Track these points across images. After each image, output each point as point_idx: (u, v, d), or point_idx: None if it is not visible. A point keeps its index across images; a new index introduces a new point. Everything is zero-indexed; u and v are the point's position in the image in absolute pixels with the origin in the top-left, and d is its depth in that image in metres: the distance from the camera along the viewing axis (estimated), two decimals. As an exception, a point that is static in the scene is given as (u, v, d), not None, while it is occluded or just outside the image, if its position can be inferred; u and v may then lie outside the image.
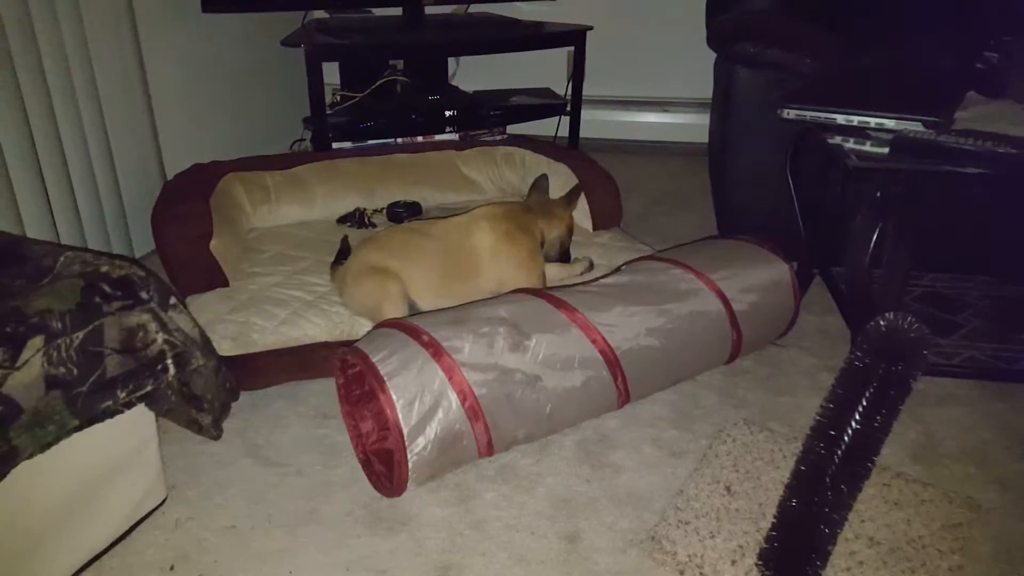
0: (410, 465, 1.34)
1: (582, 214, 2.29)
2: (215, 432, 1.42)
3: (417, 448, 1.34)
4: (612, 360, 1.54)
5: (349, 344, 1.68)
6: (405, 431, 1.32)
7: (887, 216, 1.47)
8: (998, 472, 1.58)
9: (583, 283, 1.77)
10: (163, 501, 1.41)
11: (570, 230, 2.03)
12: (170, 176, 2.31)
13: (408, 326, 1.46)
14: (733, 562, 1.28)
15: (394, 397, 1.33)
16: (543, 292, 1.64)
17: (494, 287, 1.84)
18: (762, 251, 1.89)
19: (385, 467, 1.43)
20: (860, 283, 1.51)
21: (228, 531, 1.37)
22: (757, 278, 1.81)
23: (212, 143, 2.68)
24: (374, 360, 1.37)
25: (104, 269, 1.22)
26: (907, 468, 1.57)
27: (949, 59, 2.16)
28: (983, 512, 1.46)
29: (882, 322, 1.22)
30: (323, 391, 1.74)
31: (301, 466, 1.54)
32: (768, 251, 1.88)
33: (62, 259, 1.25)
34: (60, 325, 1.11)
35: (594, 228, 2.30)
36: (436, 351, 1.39)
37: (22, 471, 1.08)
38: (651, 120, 3.64)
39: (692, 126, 3.51)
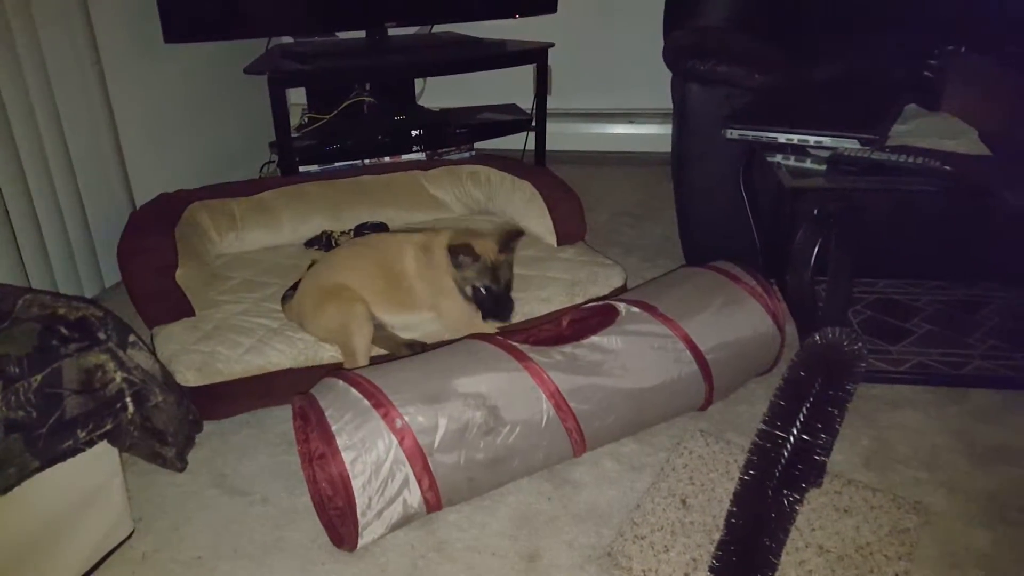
0: (360, 540, 1.36)
1: (546, 230, 2.34)
2: (179, 465, 1.45)
3: (368, 529, 1.35)
4: (579, 441, 1.54)
5: (313, 369, 1.71)
6: (360, 520, 1.33)
7: (826, 232, 1.52)
8: (947, 476, 1.63)
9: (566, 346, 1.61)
10: (130, 534, 1.44)
11: (491, 270, 1.81)
12: (139, 205, 2.33)
13: (376, 395, 1.38)
14: (686, 574, 1.32)
15: (351, 475, 1.30)
16: (522, 355, 1.53)
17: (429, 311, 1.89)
18: (740, 291, 1.77)
19: (339, 522, 1.39)
20: (803, 297, 1.56)
21: (195, 562, 1.39)
22: (735, 328, 1.72)
23: (181, 170, 2.70)
24: (332, 429, 1.33)
25: (61, 312, 1.25)
26: (859, 474, 1.61)
27: (895, 70, 2.22)
28: (931, 517, 1.51)
29: (819, 336, 1.26)
30: (288, 417, 1.75)
31: (267, 494, 1.56)
32: (748, 290, 1.77)
33: (20, 303, 1.27)
34: (17, 370, 1.14)
35: (558, 243, 2.34)
36: (404, 437, 1.34)
37: (-16, 513, 1.10)
38: (618, 131, 3.69)
39: (658, 136, 3.56)
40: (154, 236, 1.96)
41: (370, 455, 1.32)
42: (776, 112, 1.79)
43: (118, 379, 1.26)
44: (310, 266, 2.04)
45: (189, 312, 1.87)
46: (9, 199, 1.93)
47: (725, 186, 2.12)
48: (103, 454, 1.33)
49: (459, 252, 1.77)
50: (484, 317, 1.84)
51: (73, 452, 1.22)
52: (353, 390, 1.39)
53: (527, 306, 1.99)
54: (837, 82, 2.20)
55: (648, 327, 1.64)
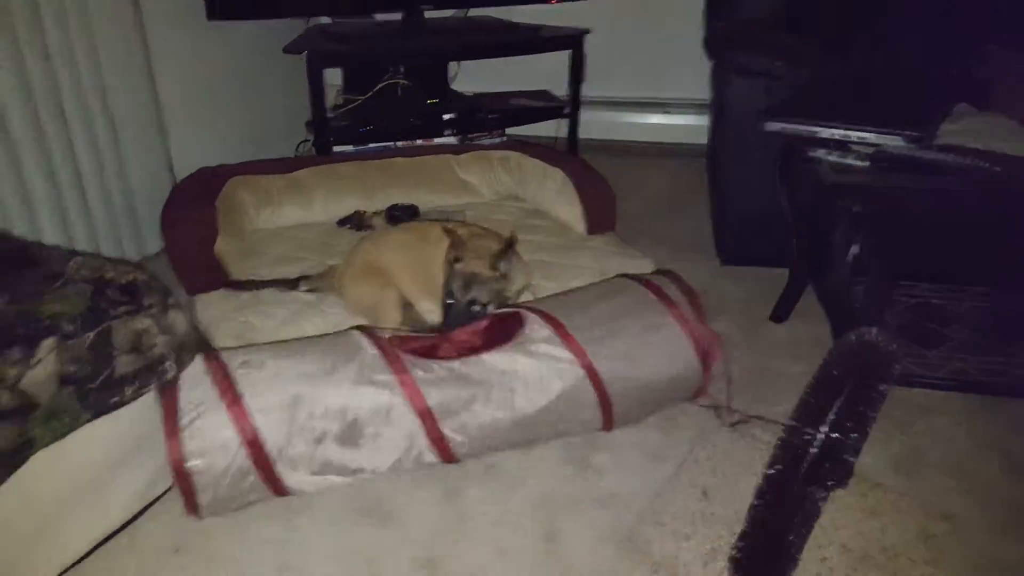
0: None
1: (576, 219, 2.34)
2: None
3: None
4: (448, 458, 1.50)
5: None
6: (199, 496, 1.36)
7: (865, 230, 1.51)
8: (978, 485, 1.61)
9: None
10: (170, 488, 1.48)
11: (464, 285, 1.73)
12: (179, 178, 2.37)
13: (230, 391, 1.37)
14: (705, 564, 1.34)
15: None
16: (401, 368, 1.46)
17: None
18: (667, 316, 1.64)
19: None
20: (838, 297, 1.55)
21: (229, 519, 1.43)
22: (648, 359, 1.60)
23: (220, 145, 2.74)
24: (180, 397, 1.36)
25: (111, 275, 1.29)
26: (887, 478, 1.61)
27: (941, 67, 2.19)
28: (960, 524, 1.50)
29: (854, 336, 1.27)
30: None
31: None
32: (676, 315, 1.64)
33: (71, 264, 1.32)
34: (71, 327, 1.18)
35: (588, 232, 2.34)
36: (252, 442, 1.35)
37: (38, 459, 1.16)
38: (652, 121, 3.66)
39: (693, 127, 3.53)
40: (196, 208, 2.01)
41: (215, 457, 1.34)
42: (818, 106, 1.77)
43: (162, 343, 1.30)
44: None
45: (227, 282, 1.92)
46: (57, 167, 1.98)
47: (762, 181, 2.10)
48: (147, 409, 1.38)
49: (453, 253, 1.76)
50: (443, 323, 1.76)
51: (119, 406, 1.27)
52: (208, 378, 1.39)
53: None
54: (882, 78, 2.17)
55: (549, 349, 1.52)
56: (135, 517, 1.42)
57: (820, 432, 1.21)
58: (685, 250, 2.63)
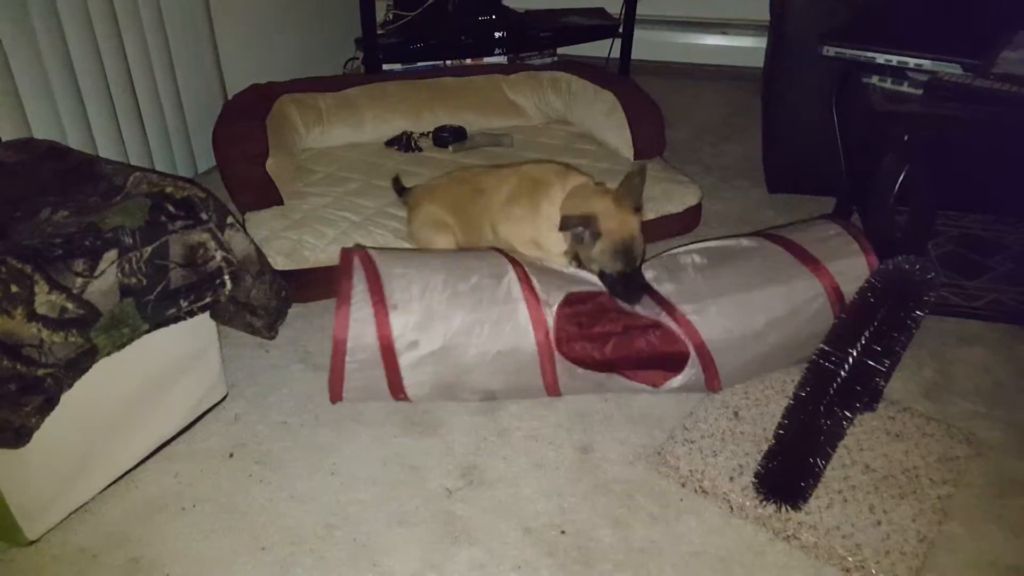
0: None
1: (624, 143, 2.33)
2: (269, 334, 1.57)
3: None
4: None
5: None
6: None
7: (914, 159, 1.48)
8: (1006, 413, 1.62)
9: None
10: (224, 398, 1.59)
11: (625, 243, 1.51)
12: (230, 95, 2.42)
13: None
14: (731, 479, 1.39)
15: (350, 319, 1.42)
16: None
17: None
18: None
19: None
20: (882, 225, 1.53)
21: (280, 426, 1.54)
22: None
23: (270, 62, 2.77)
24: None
25: (169, 190, 1.35)
26: (916, 403, 1.63)
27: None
28: (983, 449, 1.52)
29: (892, 263, 1.26)
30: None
31: (346, 373, 1.69)
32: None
33: (131, 179, 1.38)
34: (131, 240, 1.25)
35: (635, 158, 2.33)
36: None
37: (101, 367, 1.25)
38: (709, 42, 3.55)
39: (751, 50, 3.42)
40: (247, 125, 2.06)
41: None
42: (877, 31, 1.70)
43: (218, 257, 1.38)
44: (394, 181, 2.07)
45: (278, 201, 1.98)
46: (113, 85, 2.05)
47: (816, 107, 2.05)
48: (203, 324, 1.47)
49: (577, 224, 1.50)
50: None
51: (177, 319, 1.35)
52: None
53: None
54: (947, 2, 2.06)
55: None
56: (192, 424, 1.53)
57: (851, 356, 1.23)
58: (734, 177, 2.61)
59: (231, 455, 1.47)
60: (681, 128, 2.93)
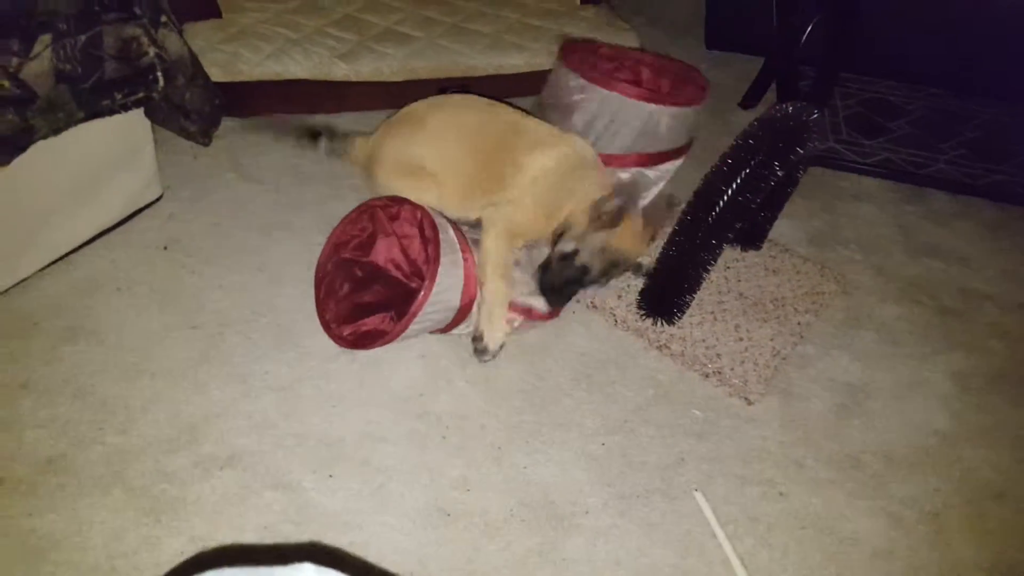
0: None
1: (570, -14, 2.33)
2: (203, 140, 1.64)
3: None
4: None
5: (327, 84, 1.80)
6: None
7: (825, 13, 1.55)
8: (880, 261, 1.82)
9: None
10: (159, 197, 1.68)
11: (623, 254, 1.46)
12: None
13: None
14: (619, 296, 1.57)
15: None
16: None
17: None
18: None
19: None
20: (786, 72, 1.61)
21: (213, 226, 1.65)
22: None
23: None
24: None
25: (103, -18, 1.37)
26: (799, 247, 1.80)
27: None
28: (851, 288, 1.72)
29: (776, 108, 1.38)
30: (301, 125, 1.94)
31: (279, 186, 1.79)
32: None
33: (65, -32, 1.39)
34: (65, 26, 1.29)
35: (581, 2, 2.34)
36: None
37: (38, 151, 1.32)
38: None
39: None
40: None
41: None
42: None
43: (151, 53, 1.42)
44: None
45: (216, 13, 1.98)
46: None
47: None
48: (137, 121, 1.53)
49: (620, 204, 1.43)
50: (540, 288, 1.48)
51: (111, 111, 1.41)
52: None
53: (537, 57, 2.06)
54: None
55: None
56: (129, 218, 1.61)
57: (729, 190, 1.36)
58: (680, 34, 2.64)
59: (165, 248, 1.58)
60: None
